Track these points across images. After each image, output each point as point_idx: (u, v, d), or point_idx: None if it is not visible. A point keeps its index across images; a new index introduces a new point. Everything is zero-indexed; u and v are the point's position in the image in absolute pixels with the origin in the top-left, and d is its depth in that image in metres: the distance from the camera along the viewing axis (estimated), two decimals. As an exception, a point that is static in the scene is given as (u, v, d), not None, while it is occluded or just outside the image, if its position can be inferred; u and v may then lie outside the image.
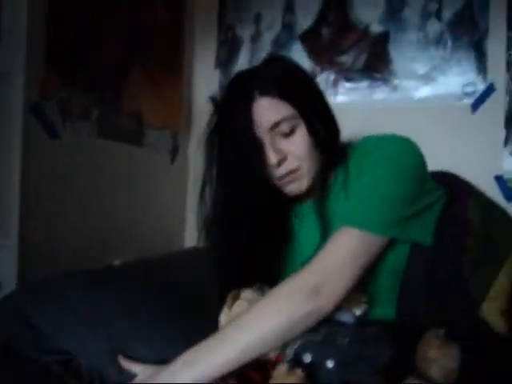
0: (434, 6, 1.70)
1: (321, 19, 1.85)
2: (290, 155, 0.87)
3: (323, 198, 0.88)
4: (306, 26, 1.87)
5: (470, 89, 1.66)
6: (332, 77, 1.83)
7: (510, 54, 1.61)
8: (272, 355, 0.77)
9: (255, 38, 1.96)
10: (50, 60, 1.42)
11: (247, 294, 0.83)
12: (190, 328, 0.87)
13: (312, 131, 0.87)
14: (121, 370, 0.83)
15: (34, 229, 1.37)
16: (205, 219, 0.92)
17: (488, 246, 0.87)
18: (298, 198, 0.93)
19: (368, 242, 0.79)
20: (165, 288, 1.02)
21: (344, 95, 1.83)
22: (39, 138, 1.39)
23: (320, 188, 0.89)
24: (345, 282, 0.76)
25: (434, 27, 1.70)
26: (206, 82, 2.02)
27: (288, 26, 1.90)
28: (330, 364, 0.71)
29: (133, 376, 0.82)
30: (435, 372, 0.69)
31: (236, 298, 0.84)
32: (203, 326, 0.81)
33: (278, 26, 1.92)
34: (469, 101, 1.67)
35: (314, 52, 1.86)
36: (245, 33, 1.98)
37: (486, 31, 1.64)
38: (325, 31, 1.85)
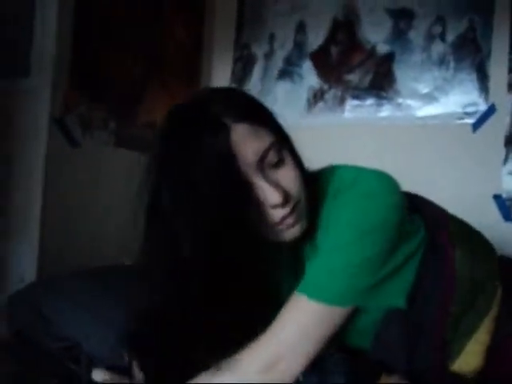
0: (438, 29, 1.74)
1: (330, 39, 1.92)
2: (288, 190, 0.71)
3: (311, 242, 0.76)
4: (316, 45, 1.94)
5: (471, 109, 1.68)
6: (339, 94, 1.90)
7: (511, 76, 1.63)
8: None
9: (268, 55, 2.04)
10: (73, 77, 1.54)
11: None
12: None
13: (296, 159, 0.75)
14: (121, 356, 0.82)
15: (54, 228, 1.49)
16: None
17: (470, 304, 0.79)
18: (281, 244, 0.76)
19: (324, 313, 0.70)
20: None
21: (350, 112, 1.88)
22: (61, 147, 1.52)
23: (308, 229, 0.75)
24: (301, 357, 0.69)
25: (437, 49, 1.74)
26: (221, 96, 2.11)
27: (299, 45, 1.98)
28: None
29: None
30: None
31: None
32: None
33: (289, 45, 1.99)
34: (470, 120, 1.68)
35: (322, 70, 1.93)
36: (259, 51, 2.06)
37: (489, 53, 1.66)
38: (334, 50, 1.91)
